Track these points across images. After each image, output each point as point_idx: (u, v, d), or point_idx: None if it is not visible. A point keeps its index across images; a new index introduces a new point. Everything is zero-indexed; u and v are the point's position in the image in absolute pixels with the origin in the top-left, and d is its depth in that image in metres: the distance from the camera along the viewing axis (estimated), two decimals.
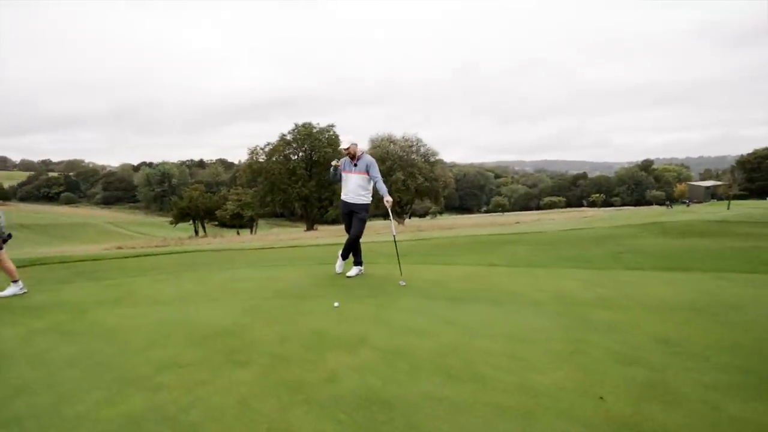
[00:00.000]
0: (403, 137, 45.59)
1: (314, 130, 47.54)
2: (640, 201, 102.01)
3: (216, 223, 69.62)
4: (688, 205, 52.65)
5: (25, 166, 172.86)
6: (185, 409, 2.14)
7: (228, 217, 56.00)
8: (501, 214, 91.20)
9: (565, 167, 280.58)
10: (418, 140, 45.97)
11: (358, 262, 5.47)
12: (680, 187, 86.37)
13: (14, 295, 4.81)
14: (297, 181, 46.51)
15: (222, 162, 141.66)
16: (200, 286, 5.07)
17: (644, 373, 2.42)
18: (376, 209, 24.78)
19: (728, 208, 31.74)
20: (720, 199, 64.62)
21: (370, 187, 5.30)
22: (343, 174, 5.30)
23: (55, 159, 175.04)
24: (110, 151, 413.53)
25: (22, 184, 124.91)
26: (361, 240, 5.38)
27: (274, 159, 47.42)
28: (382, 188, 5.10)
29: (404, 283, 4.76)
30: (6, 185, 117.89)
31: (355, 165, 5.21)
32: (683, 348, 2.77)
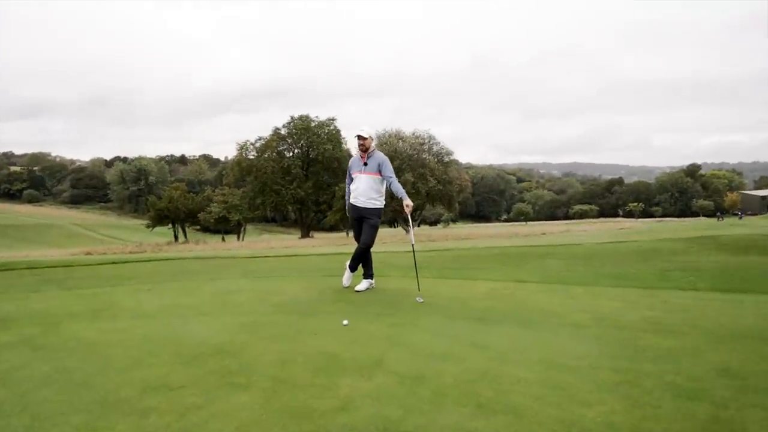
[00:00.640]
0: (414, 134, 45.44)
1: (312, 124, 47.82)
2: (685, 212, 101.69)
3: (198, 227, 70.03)
4: (740, 218, 52.14)
5: None
6: None
7: (212, 220, 56.22)
8: (524, 223, 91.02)
9: (598, 171, 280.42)
10: (431, 137, 45.86)
11: (368, 275, 5.46)
12: (731, 197, 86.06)
13: None
14: (291, 181, 46.71)
15: (206, 158, 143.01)
16: (188, 298, 5.09)
17: (705, 409, 2.39)
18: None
19: None
20: None
21: (383, 189, 5.29)
22: (353, 175, 5.30)
23: (17, 151, 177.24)
24: (80, 144, 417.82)
25: None
26: (372, 249, 5.38)
27: (266, 156, 47.71)
28: (400, 190, 5.07)
29: (421, 300, 4.77)
30: None
31: (366, 164, 5.18)
32: (749, 381, 2.74)
